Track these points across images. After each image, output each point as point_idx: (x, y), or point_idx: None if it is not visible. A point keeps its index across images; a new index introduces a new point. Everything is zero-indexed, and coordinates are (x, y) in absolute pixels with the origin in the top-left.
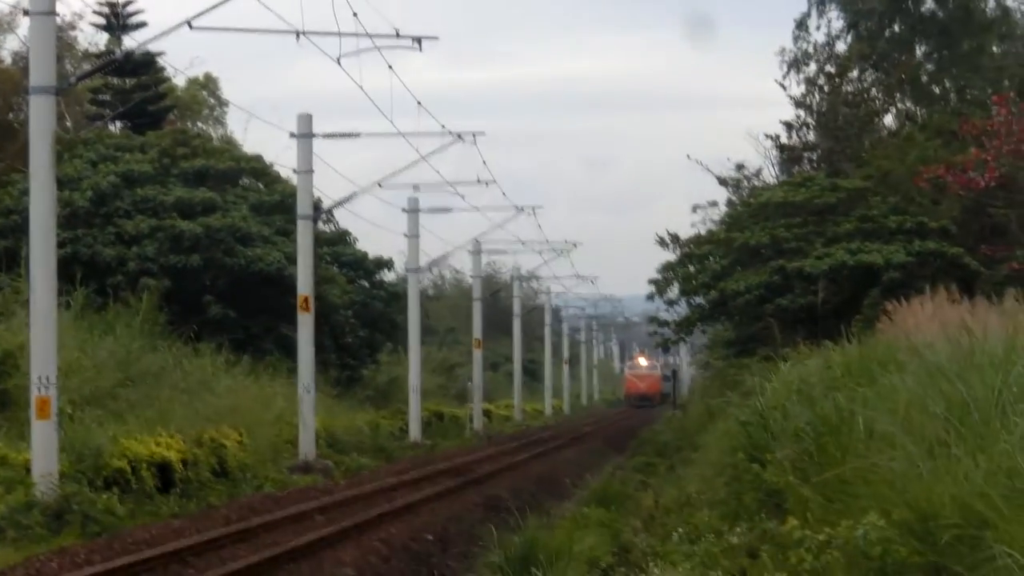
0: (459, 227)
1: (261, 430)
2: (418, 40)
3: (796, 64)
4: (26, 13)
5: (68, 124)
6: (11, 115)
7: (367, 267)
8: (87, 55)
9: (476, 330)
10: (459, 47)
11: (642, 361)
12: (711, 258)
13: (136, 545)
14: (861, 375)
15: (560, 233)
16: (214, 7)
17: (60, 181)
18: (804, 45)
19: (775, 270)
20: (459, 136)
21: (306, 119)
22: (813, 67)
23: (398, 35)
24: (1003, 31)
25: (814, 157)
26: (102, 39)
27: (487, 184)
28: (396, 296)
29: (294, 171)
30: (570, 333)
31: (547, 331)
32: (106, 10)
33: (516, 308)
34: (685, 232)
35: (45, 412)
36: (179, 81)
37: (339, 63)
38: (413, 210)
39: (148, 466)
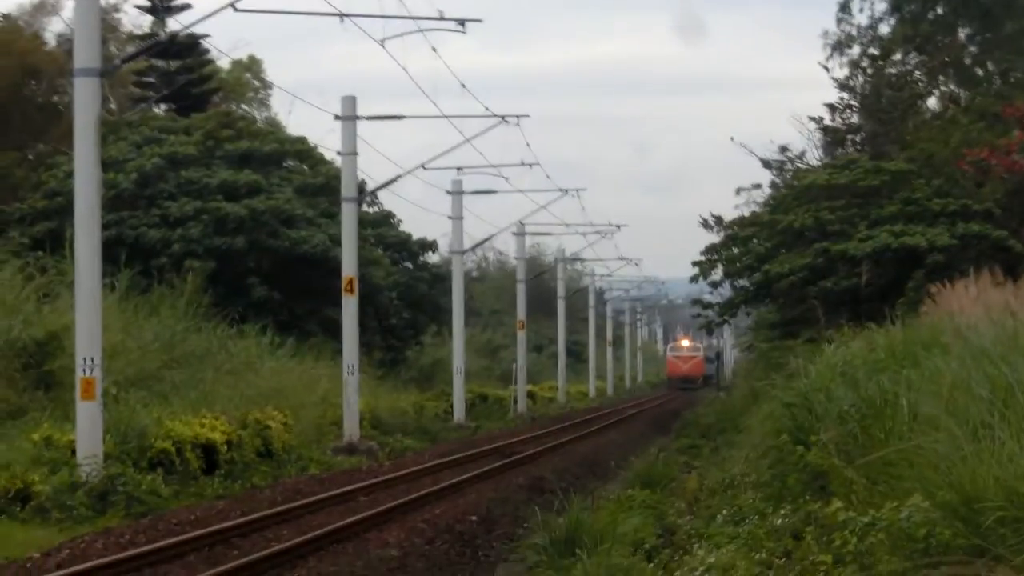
0: (503, 209)
1: (305, 411)
2: (462, 22)
3: (839, 46)
4: None
5: (113, 106)
6: (56, 97)
7: (411, 249)
8: (131, 37)
9: (520, 312)
10: (503, 29)
11: (684, 343)
12: (755, 240)
13: (180, 526)
14: (905, 357)
15: (604, 215)
16: None
17: (105, 163)
18: (847, 28)
19: (819, 252)
20: (503, 118)
21: (350, 101)
22: (856, 49)
23: (442, 17)
24: None
25: (858, 139)
26: (146, 21)
27: (531, 166)
28: (440, 278)
29: (338, 153)
30: (614, 315)
31: (591, 313)
32: None
33: (560, 290)
34: (729, 214)
35: (90, 393)
36: (223, 63)
37: (383, 45)
38: (457, 192)
39: (193, 447)
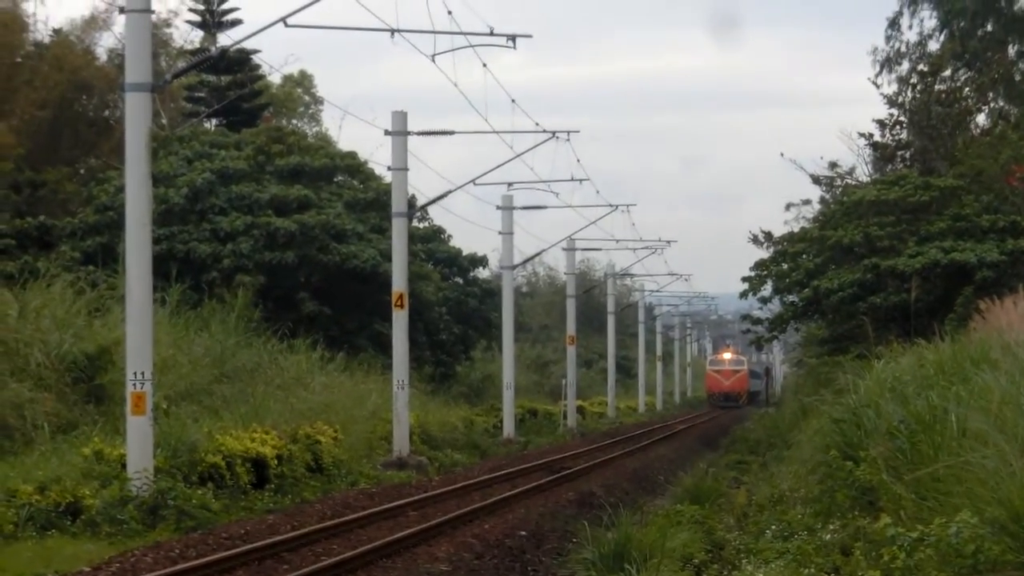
0: (553, 225)
1: (355, 426)
2: (512, 38)
3: (889, 63)
4: (122, 11)
5: (164, 121)
6: (107, 112)
7: (461, 264)
8: (182, 52)
9: (570, 327)
10: (553, 45)
11: (726, 355)
12: (804, 256)
13: (231, 540)
14: (954, 373)
15: (653, 231)
16: (309, 5)
17: (156, 178)
18: (896, 44)
19: (868, 268)
20: (553, 134)
21: (401, 116)
22: (906, 66)
23: (492, 33)
24: None
25: (907, 155)
26: (197, 37)
27: (581, 182)
28: (490, 293)
29: (388, 168)
30: (664, 331)
31: (641, 328)
32: (201, 7)
33: (610, 305)
34: (779, 230)
35: (140, 408)
36: (274, 78)
37: (434, 61)
38: (507, 207)
39: (243, 462)
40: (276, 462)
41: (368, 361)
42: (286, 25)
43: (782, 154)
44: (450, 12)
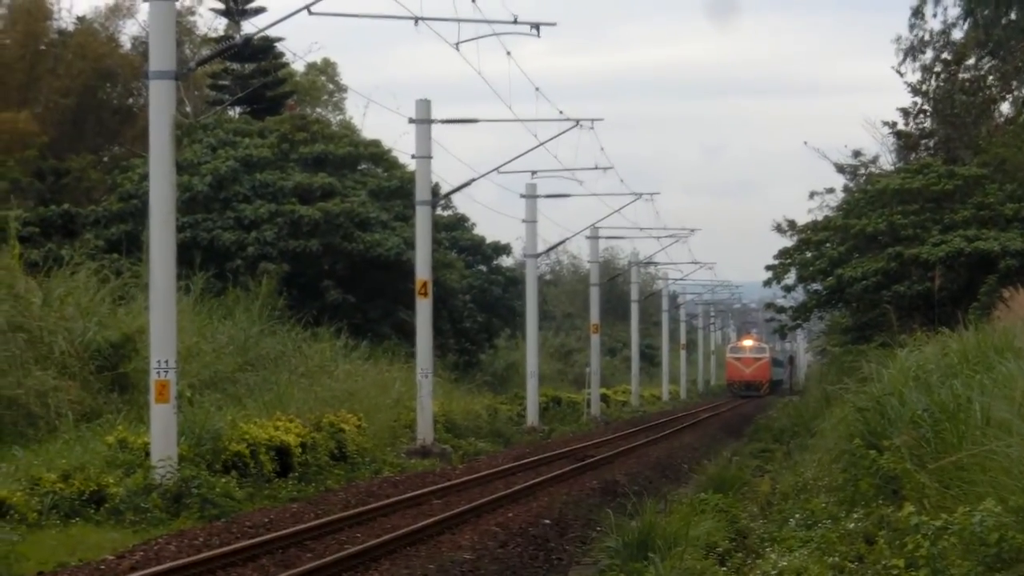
0: (577, 213)
1: (379, 414)
2: (536, 26)
3: (912, 51)
4: None
5: (187, 109)
6: (131, 100)
7: (485, 252)
8: (206, 40)
9: (593, 315)
10: (577, 33)
11: (747, 342)
12: (828, 244)
13: (254, 528)
14: (978, 362)
15: (677, 219)
16: None
17: (180, 166)
18: (920, 33)
19: (892, 257)
20: (577, 122)
21: (424, 105)
22: (929, 54)
23: (516, 21)
24: None
25: (931, 144)
26: (221, 24)
27: (605, 170)
28: (514, 281)
29: (412, 156)
30: (687, 319)
31: (664, 317)
32: None
33: (634, 294)
34: (802, 218)
35: (164, 396)
36: (298, 66)
37: (458, 49)
38: (531, 196)
39: (267, 450)
40: (300, 450)
41: (392, 349)
42: (310, 13)
43: (806, 143)
44: (474, 0)
